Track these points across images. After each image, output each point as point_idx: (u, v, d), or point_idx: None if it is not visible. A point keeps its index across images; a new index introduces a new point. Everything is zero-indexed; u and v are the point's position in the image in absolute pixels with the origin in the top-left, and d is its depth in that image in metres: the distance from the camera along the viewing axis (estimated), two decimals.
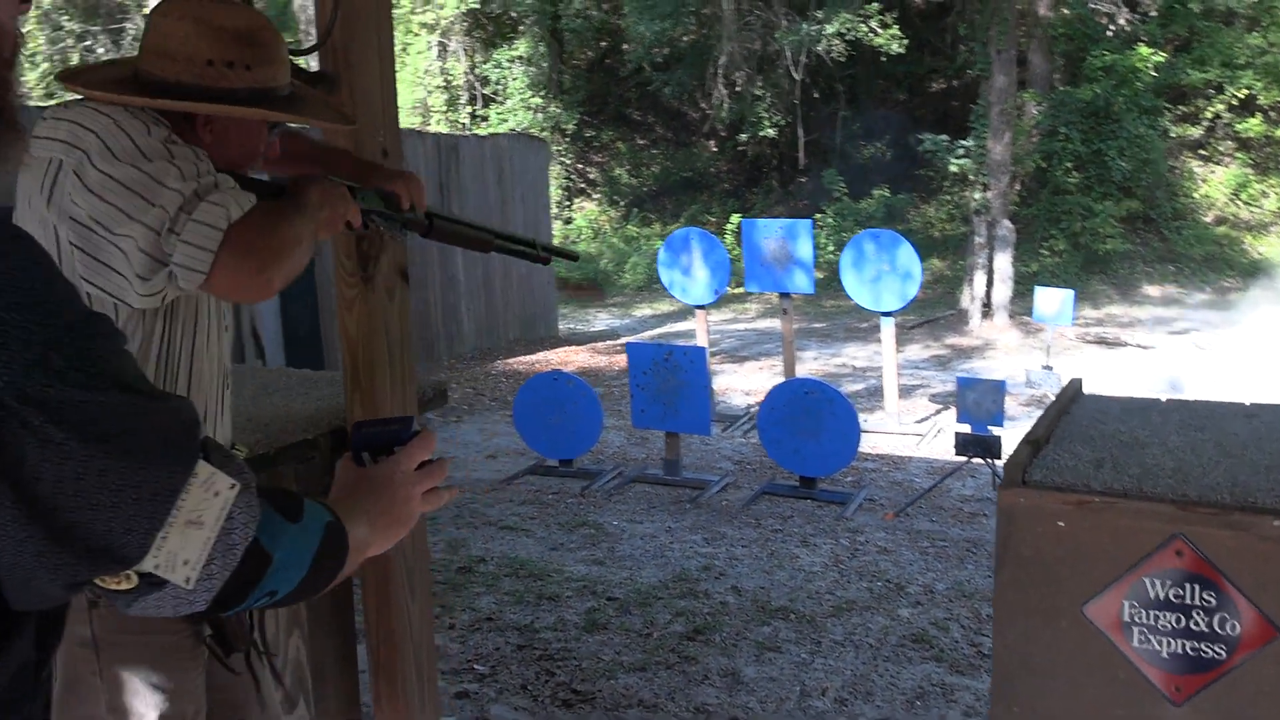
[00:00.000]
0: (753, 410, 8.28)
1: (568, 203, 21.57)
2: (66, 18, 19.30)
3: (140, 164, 1.43)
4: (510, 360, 11.15)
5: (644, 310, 15.73)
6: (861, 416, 6.55)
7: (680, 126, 22.86)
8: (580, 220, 21.19)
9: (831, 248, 16.55)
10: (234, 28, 1.53)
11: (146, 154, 1.44)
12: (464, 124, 20.53)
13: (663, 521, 5.63)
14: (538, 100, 20.37)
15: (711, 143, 22.01)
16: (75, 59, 19.41)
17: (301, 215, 1.54)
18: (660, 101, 21.62)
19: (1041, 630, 1.77)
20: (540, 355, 11.43)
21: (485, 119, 20.80)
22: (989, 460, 5.69)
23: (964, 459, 5.82)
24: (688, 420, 6.25)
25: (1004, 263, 12.72)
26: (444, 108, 20.66)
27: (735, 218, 17.82)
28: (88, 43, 19.57)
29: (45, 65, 19.03)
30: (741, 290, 13.38)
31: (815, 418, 5.85)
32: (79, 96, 1.54)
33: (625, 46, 20.88)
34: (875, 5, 16.70)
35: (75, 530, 0.76)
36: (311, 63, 2.15)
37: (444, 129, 19.19)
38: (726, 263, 8.18)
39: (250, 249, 1.44)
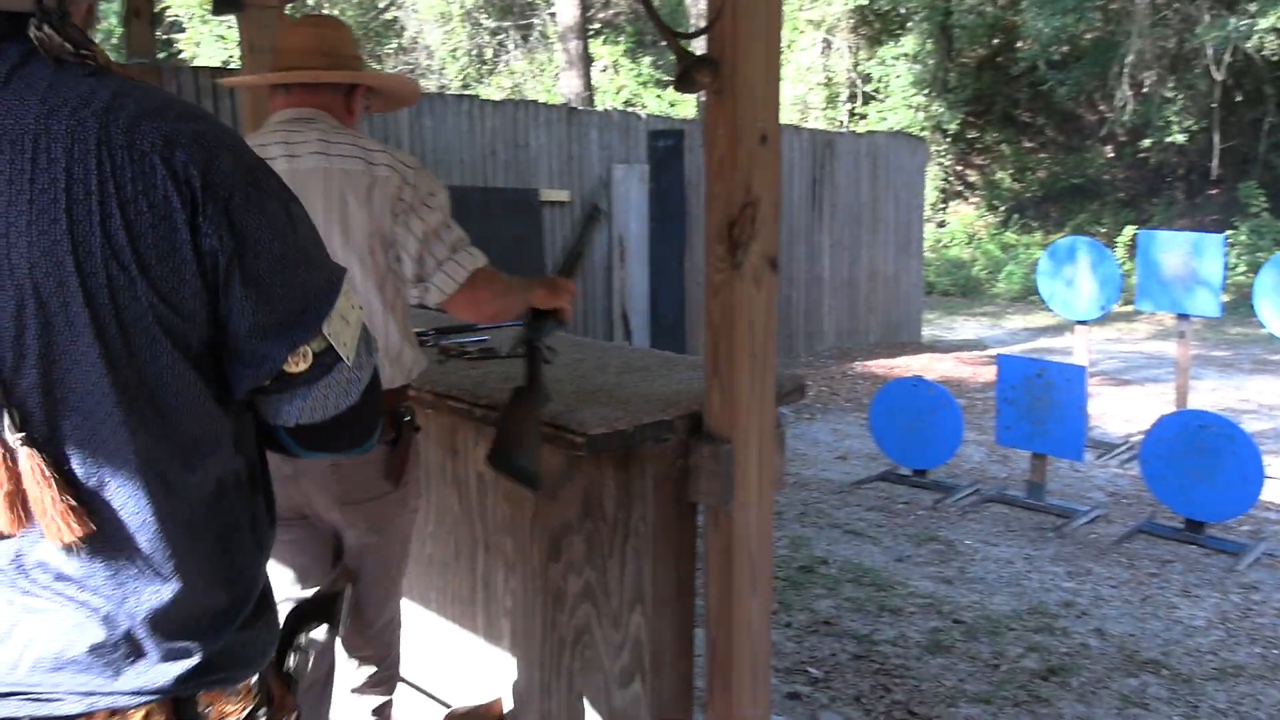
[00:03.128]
0: (1133, 440, 7.57)
1: (943, 205, 20.83)
2: (484, 15, 21.19)
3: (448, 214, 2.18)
4: (869, 363, 10.92)
5: (1016, 322, 14.85)
6: (1265, 460, 5.77)
7: (1073, 129, 21.36)
8: (955, 224, 20.39)
9: (1242, 268, 14.81)
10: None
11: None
12: (841, 121, 20.37)
13: (1020, 547, 5.25)
14: (920, 99, 19.80)
15: (1107, 148, 20.39)
16: (489, 53, 21.28)
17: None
18: (1052, 102, 20.29)
19: None
20: (901, 360, 11.10)
21: (864, 117, 20.53)
22: None
23: None
24: (1058, 442, 5.79)
25: None
26: (823, 104, 20.61)
27: (1129, 229, 16.42)
28: (500, 37, 21.36)
29: (464, 60, 21.01)
30: (1130, 308, 12.30)
31: (1210, 455, 5.22)
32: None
33: (1019, 44, 19.80)
34: None
35: (285, 300, 1.06)
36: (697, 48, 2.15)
37: (822, 126, 19.14)
38: (1117, 277, 7.50)
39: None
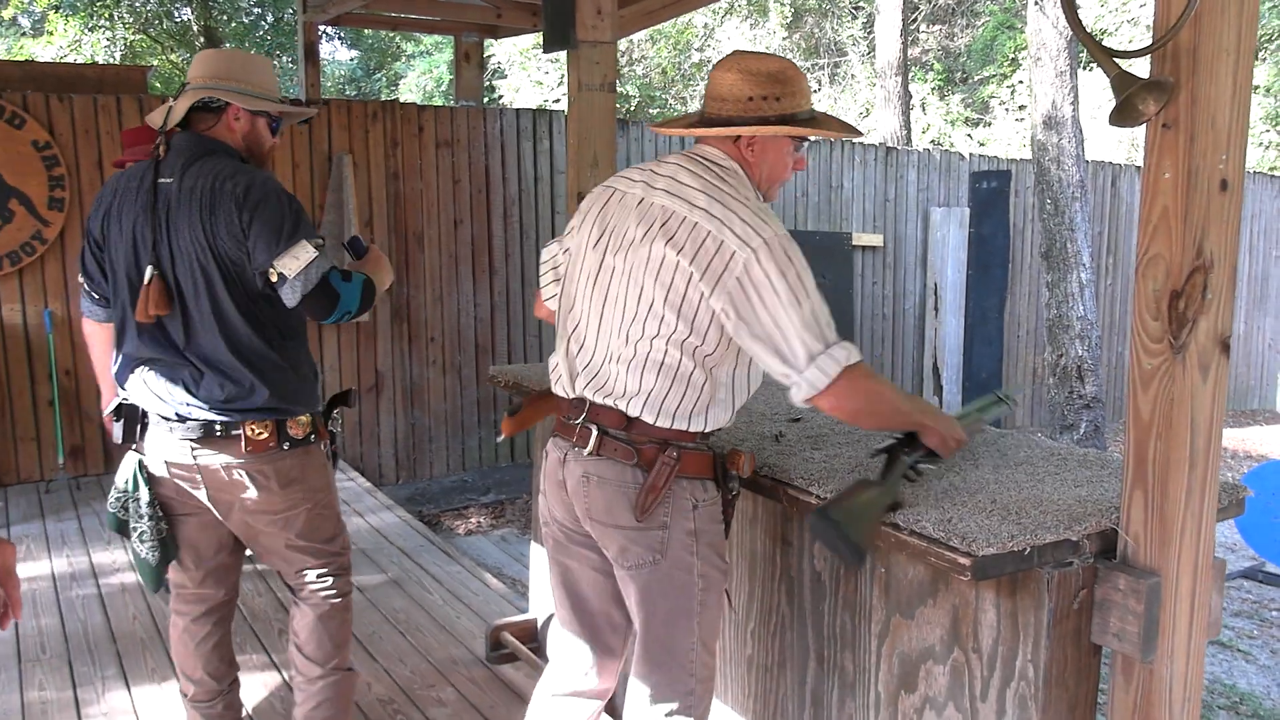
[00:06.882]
0: None
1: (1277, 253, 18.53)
2: (792, 54, 20.99)
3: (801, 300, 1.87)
4: None
5: None
6: None
7: None
8: None
9: None
10: (766, 70, 1.96)
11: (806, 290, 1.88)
12: None
13: None
14: (1273, 136, 17.72)
15: None
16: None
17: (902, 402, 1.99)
18: None
19: None
20: (1251, 431, 9.75)
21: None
22: None
23: None
24: None
25: None
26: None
27: None
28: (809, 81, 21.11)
29: None
30: None
31: None
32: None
33: None
34: None
35: (262, 239, 2.25)
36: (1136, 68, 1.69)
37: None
38: None
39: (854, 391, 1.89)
